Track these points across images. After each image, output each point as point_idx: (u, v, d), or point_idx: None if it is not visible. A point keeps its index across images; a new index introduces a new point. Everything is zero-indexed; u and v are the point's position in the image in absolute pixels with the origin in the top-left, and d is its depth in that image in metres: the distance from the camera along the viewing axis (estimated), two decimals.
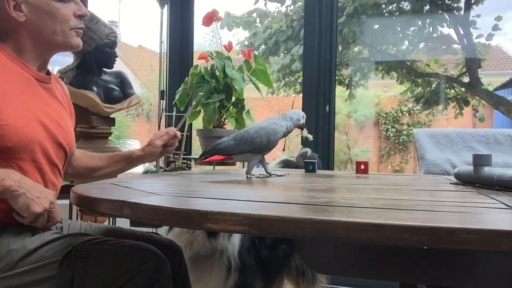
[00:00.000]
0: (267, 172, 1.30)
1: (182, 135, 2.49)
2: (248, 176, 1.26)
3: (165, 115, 2.67)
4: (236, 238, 1.46)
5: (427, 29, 5.29)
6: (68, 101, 1.35)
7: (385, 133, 6.99)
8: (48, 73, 1.25)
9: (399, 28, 5.47)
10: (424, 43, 5.58)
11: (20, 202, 1.01)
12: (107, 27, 2.05)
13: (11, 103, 1.08)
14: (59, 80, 1.35)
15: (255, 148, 1.22)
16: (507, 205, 0.69)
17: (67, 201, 2.09)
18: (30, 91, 1.16)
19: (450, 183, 1.15)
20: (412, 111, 6.75)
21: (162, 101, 2.42)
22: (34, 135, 1.11)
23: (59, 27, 1.17)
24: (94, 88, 2.05)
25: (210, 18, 1.92)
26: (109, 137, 2.15)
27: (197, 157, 2.13)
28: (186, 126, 2.52)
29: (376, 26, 5.40)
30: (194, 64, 1.94)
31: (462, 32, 5.11)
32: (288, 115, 1.31)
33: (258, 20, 5.82)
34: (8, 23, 1.14)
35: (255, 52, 2.79)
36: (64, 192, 1.22)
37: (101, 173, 1.42)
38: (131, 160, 1.43)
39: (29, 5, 1.14)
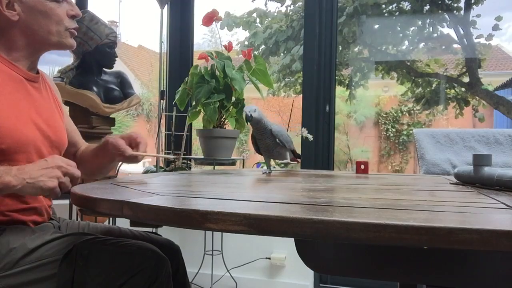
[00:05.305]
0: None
1: (182, 135, 2.50)
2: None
3: (165, 115, 2.67)
4: None
5: (427, 29, 5.29)
6: (54, 96, 1.32)
7: (385, 133, 6.99)
8: (37, 71, 1.24)
9: (399, 28, 5.47)
10: (424, 43, 5.58)
11: (28, 191, 0.99)
12: (107, 27, 2.05)
13: (3, 104, 1.07)
14: (46, 76, 1.32)
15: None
16: (507, 205, 0.69)
17: (67, 201, 2.11)
18: (21, 92, 1.15)
19: (450, 183, 1.15)
20: (412, 111, 6.75)
21: (162, 101, 2.43)
22: (28, 136, 1.11)
23: (54, 27, 1.17)
24: (94, 88, 2.05)
25: (210, 18, 1.92)
26: None
27: (197, 157, 2.14)
28: (186, 126, 2.53)
29: (376, 26, 5.40)
30: (194, 64, 1.94)
31: (462, 32, 5.11)
32: None
33: (258, 20, 5.82)
34: (0, 22, 1.13)
35: (255, 52, 2.79)
36: (64, 192, 1.22)
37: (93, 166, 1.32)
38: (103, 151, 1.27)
39: (22, 4, 1.13)
